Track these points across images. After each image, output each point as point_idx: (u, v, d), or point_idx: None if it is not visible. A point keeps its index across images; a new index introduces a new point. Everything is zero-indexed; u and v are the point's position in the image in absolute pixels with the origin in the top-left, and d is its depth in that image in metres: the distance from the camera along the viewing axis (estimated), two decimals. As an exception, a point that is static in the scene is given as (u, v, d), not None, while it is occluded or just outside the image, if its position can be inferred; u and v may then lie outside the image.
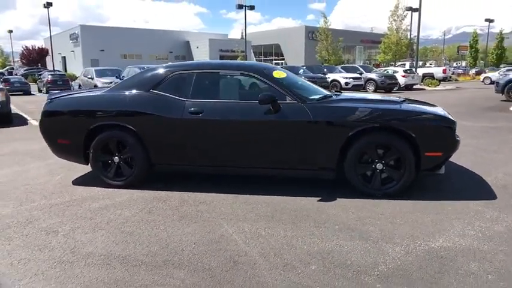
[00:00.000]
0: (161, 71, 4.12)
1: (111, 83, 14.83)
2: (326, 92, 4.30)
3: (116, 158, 4.09)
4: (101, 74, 16.59)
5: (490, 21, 43.79)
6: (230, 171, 4.04)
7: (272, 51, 62.32)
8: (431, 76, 25.27)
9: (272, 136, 3.75)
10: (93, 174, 4.67)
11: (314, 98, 3.88)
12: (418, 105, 4.04)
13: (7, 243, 2.92)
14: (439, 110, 3.91)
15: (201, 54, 52.92)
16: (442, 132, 3.60)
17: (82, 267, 2.55)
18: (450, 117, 3.72)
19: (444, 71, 28.46)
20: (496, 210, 3.36)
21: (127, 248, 2.80)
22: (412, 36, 26.74)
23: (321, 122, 3.63)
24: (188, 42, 57.29)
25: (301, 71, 19.14)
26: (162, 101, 3.92)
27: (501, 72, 29.37)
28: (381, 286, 2.27)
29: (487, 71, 38.33)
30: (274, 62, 50.65)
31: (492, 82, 28.33)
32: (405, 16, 25.85)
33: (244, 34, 39.44)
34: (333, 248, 2.75)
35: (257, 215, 3.38)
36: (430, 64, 51.65)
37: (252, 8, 39.00)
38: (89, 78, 16.67)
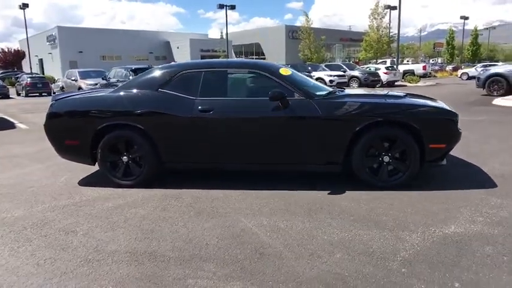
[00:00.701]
0: (168, 70, 4.15)
1: (96, 84, 14.65)
2: (330, 89, 4.41)
3: (125, 157, 4.09)
4: (84, 75, 16.33)
5: (465, 18, 45.13)
6: (240, 167, 4.10)
7: (253, 51, 62.59)
8: (411, 73, 25.92)
9: (282, 132, 3.83)
10: (98, 175, 4.66)
11: (320, 94, 3.99)
12: (421, 100, 4.20)
13: (28, 244, 2.91)
14: (441, 104, 4.08)
15: (182, 55, 52.63)
16: (446, 125, 3.77)
17: (110, 264, 2.57)
18: (453, 110, 3.88)
19: (424, 68, 29.26)
20: (498, 198, 3.54)
21: (151, 245, 2.83)
22: (391, 33, 27.40)
23: (330, 117, 3.74)
24: (168, 42, 56.87)
25: (286, 70, 19.33)
26: (172, 100, 3.95)
27: (478, 68, 30.43)
28: (406, 270, 2.39)
29: (463, 67, 39.56)
30: (256, 61, 50.69)
31: (469, 78, 29.38)
32: (385, 14, 26.45)
33: (226, 34, 39.41)
34: (353, 237, 2.86)
35: (272, 209, 3.46)
36: (407, 61, 52.92)
37: (233, 7, 39.00)
38: (72, 80, 16.38)
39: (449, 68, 41.40)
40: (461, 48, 50.87)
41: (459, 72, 33.81)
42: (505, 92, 12.47)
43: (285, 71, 4.09)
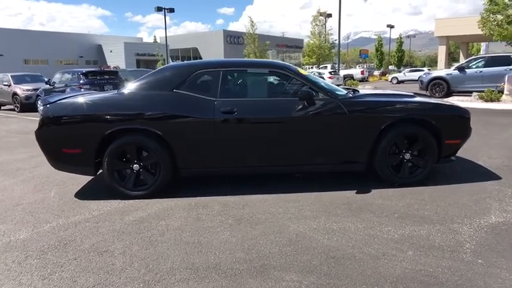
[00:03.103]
0: (183, 69, 3.86)
1: (36, 89, 13.34)
2: (343, 90, 4.40)
3: (136, 165, 3.71)
4: (19, 80, 14.71)
5: (391, 27, 48.94)
6: (264, 170, 3.94)
7: (190, 55, 61.92)
8: (351, 77, 27.38)
9: (309, 133, 3.75)
10: (93, 186, 4.24)
11: (341, 94, 3.98)
12: (433, 99, 4.38)
13: (59, 269, 2.48)
14: (452, 103, 4.30)
15: (116, 59, 50.18)
16: (461, 122, 3.97)
17: (177, 284, 2.29)
18: (466, 108, 4.11)
19: (362, 72, 31.17)
20: (510, 187, 3.81)
21: (209, 258, 2.57)
22: (333, 40, 28.88)
23: (357, 117, 3.74)
24: (100, 46, 53.89)
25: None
26: (190, 101, 3.67)
27: (406, 73, 33.23)
28: (483, 261, 2.44)
29: (389, 71, 42.83)
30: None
31: (399, 82, 32.03)
32: (326, 21, 27.72)
33: (165, 37, 38.19)
34: (411, 233, 2.87)
35: (312, 211, 3.35)
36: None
37: (171, 10, 38.04)
38: (4, 85, 14.66)
39: (377, 72, 44.38)
40: (387, 55, 54.98)
41: (389, 76, 36.52)
42: (446, 94, 13.67)
43: (303, 71, 4.02)
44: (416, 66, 61.09)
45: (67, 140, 3.67)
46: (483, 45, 52.74)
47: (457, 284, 2.21)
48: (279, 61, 4.18)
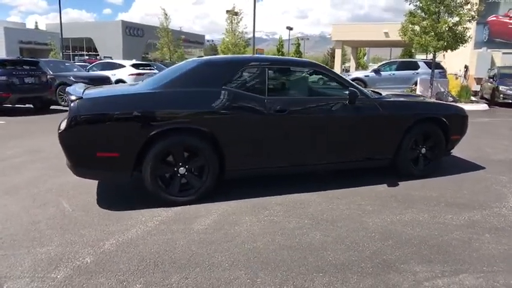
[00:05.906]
0: (226, 65, 3.66)
1: None
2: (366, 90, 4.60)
3: (182, 168, 3.40)
4: None
5: (290, 28, 51.78)
6: (309, 168, 3.95)
7: (83, 46, 56.67)
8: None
9: (351, 130, 3.91)
10: (109, 193, 3.76)
11: (371, 94, 4.21)
12: (436, 100, 4.91)
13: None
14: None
15: (-8, 46, 43.15)
16: (463, 120, 4.56)
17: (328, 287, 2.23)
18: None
19: (274, 71, 32.52)
20: (501, 175, 4.54)
21: (328, 259, 2.56)
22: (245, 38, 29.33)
23: (390, 116, 4.03)
24: (-30, 29, 45.57)
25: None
26: (242, 99, 3.50)
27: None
28: (545, 237, 2.92)
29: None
30: (103, 57, 45.65)
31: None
32: (241, 19, 28.13)
33: (60, 24, 34.08)
34: (470, 218, 3.25)
35: (371, 206, 3.52)
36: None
37: (67, -5, 34.13)
38: None
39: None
40: (287, 55, 58.21)
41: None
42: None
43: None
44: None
45: (104, 142, 3.17)
46: (367, 50, 59.53)
47: (548, 258, 2.62)
48: (316, 62, 4.22)
